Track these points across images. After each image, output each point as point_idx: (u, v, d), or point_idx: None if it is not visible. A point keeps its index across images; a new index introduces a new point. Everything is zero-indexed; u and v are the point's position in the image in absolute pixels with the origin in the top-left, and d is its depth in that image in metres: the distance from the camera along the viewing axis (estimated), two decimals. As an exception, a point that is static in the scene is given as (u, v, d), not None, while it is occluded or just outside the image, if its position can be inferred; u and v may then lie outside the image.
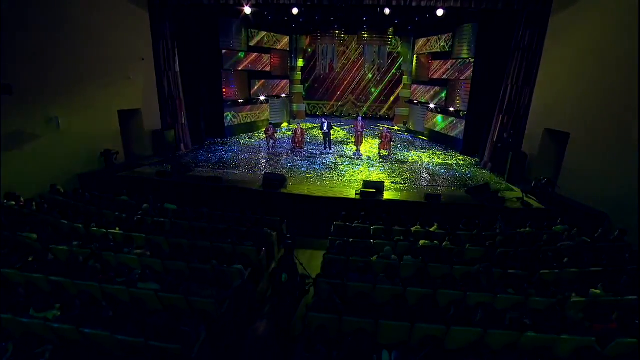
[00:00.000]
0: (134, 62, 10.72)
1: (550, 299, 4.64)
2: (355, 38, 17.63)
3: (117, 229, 6.33)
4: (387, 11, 11.19)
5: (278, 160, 11.91)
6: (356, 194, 8.73)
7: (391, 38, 16.97)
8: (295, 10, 11.66)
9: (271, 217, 7.33)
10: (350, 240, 6.28)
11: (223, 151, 12.89)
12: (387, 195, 8.72)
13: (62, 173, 8.91)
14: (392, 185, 9.68)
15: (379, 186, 8.75)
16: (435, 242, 6.25)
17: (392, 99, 19.69)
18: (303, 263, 5.72)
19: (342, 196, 8.75)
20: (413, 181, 10.22)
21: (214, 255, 5.42)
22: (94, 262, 4.71)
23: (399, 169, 11.27)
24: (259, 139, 14.85)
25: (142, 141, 11.73)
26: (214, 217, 7.25)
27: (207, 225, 6.75)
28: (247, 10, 11.62)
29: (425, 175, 10.78)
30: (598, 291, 4.76)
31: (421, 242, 6.31)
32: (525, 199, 8.70)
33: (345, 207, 8.37)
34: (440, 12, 10.91)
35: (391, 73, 19.24)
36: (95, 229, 6.08)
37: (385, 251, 5.58)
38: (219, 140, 14.34)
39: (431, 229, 6.97)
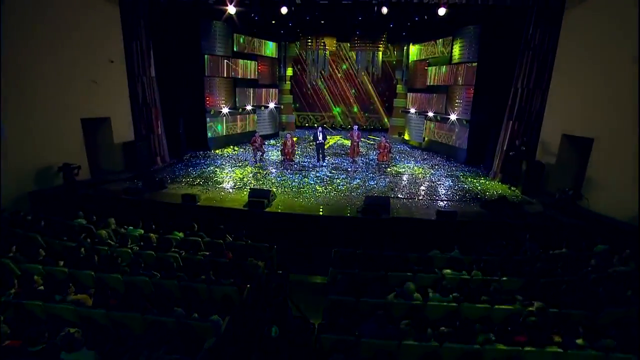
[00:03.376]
0: (101, 64, 9.43)
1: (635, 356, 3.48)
2: (348, 45, 16.74)
3: (62, 264, 4.97)
4: (384, 10, 10.25)
5: (266, 174, 10.66)
6: (357, 211, 7.52)
7: (384, 45, 16.12)
8: (284, 10, 10.61)
9: (258, 244, 6.04)
10: (357, 272, 5.04)
11: (205, 165, 11.58)
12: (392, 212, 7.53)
13: (8, 191, 7.42)
14: (397, 200, 8.51)
15: (383, 202, 7.56)
16: (463, 272, 5.05)
17: (388, 108, 18.77)
18: (301, 306, 4.44)
19: (342, 214, 7.54)
20: (418, 195, 9.09)
21: (182, 299, 4.10)
22: (3, 319, 3.32)
23: (400, 182, 10.14)
24: (245, 151, 13.62)
25: (111, 154, 10.33)
26: (186, 244, 5.90)
27: (178, 254, 5.43)
28: (232, 9, 10.53)
29: (430, 189, 9.66)
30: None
31: (444, 271, 5.12)
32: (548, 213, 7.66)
33: (345, 228, 7.18)
34: (442, 11, 10.01)
35: (385, 81, 18.36)
36: (27, 265, 4.68)
37: (405, 288, 4.33)
38: (201, 153, 13.04)
39: (452, 254, 5.78)
